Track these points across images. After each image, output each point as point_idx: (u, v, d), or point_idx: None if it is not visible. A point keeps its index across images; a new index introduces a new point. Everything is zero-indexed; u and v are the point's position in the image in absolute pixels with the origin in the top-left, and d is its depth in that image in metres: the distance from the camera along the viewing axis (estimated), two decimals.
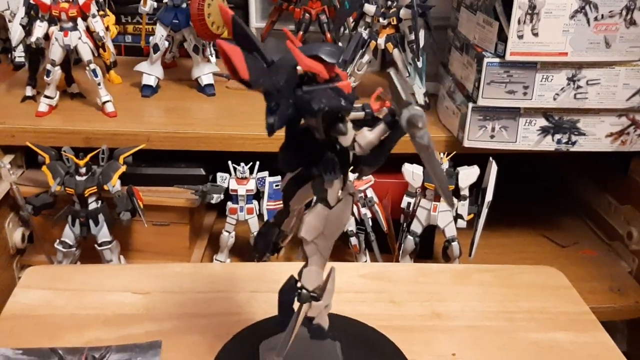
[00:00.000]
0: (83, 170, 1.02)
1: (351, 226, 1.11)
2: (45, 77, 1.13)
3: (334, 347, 0.64)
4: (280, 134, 0.50)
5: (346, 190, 0.53)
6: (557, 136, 1.05)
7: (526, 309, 0.81)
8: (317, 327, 0.58)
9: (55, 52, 1.11)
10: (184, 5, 1.21)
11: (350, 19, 1.24)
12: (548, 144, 1.05)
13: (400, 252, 1.11)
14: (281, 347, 0.60)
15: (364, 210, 1.11)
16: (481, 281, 0.87)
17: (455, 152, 1.06)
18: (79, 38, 1.10)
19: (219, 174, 1.10)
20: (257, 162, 1.09)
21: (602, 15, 0.96)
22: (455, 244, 1.08)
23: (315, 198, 0.54)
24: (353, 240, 1.13)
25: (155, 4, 1.23)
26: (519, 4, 0.94)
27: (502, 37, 0.98)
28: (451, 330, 0.76)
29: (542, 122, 1.04)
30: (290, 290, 0.56)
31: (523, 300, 0.82)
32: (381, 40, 1.18)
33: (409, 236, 1.09)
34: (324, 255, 0.55)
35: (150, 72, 1.26)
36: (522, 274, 0.89)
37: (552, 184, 1.55)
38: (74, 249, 1.06)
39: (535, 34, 0.96)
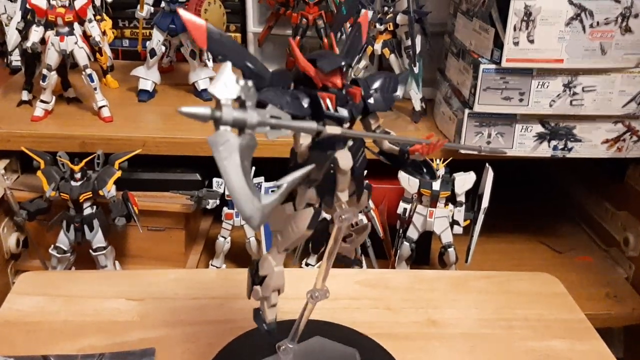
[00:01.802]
0: (78, 175, 1.01)
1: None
2: (41, 82, 1.13)
3: (354, 355, 0.64)
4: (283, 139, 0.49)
5: (308, 201, 0.53)
6: (553, 142, 1.05)
7: (522, 317, 0.80)
8: (255, 311, 0.59)
9: (52, 57, 1.10)
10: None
11: (348, 24, 1.24)
12: (544, 151, 1.05)
13: (397, 258, 1.10)
14: (293, 332, 0.61)
15: (360, 216, 1.10)
16: (477, 288, 0.87)
17: (451, 158, 1.06)
18: (75, 43, 1.10)
19: (214, 179, 1.10)
20: (253, 168, 1.08)
21: (598, 22, 0.96)
22: (451, 250, 1.08)
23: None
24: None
25: (152, 9, 1.23)
26: (514, 10, 0.94)
27: (498, 44, 0.98)
28: (447, 338, 0.76)
29: (538, 128, 1.04)
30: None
31: (519, 308, 0.82)
32: (378, 46, 1.19)
33: (405, 242, 1.08)
34: (279, 250, 0.56)
35: (147, 76, 1.26)
36: (518, 280, 0.89)
37: (548, 190, 1.55)
38: (69, 254, 1.06)
39: (531, 41, 0.96)
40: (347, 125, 0.51)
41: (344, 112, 0.50)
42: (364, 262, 1.16)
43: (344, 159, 0.51)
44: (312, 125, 0.45)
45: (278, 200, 0.43)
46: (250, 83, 0.41)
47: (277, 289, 0.57)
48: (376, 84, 0.53)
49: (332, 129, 0.46)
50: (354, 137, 0.51)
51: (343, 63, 0.49)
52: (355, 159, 0.52)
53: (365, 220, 0.62)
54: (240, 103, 0.41)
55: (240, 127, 0.40)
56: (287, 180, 0.44)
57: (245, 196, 0.39)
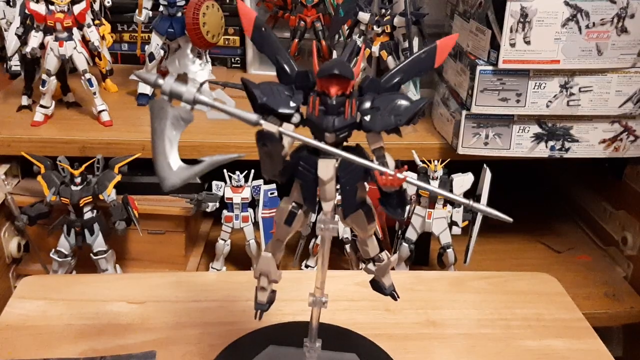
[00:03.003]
0: (78, 179, 1.02)
1: (346, 234, 1.11)
2: (40, 87, 1.13)
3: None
4: None
5: (295, 199, 0.55)
6: (551, 143, 1.05)
7: (521, 317, 0.81)
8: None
9: (51, 62, 1.11)
10: (179, 14, 1.21)
11: (345, 27, 1.25)
12: (542, 151, 1.06)
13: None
14: (314, 334, 0.63)
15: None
16: (476, 288, 0.87)
17: (449, 159, 1.06)
18: (74, 48, 1.11)
19: (214, 182, 1.10)
20: (252, 171, 1.09)
21: (594, 23, 0.96)
22: (450, 250, 1.08)
23: None
24: (349, 248, 1.13)
25: (150, 13, 1.24)
26: (510, 12, 0.95)
27: (495, 45, 0.99)
28: (446, 339, 0.76)
29: (535, 129, 1.05)
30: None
31: (518, 308, 0.83)
32: (375, 48, 1.19)
33: (404, 243, 1.09)
34: (274, 238, 0.59)
35: None
36: (517, 280, 0.89)
37: (547, 190, 1.55)
38: (70, 258, 1.06)
39: (528, 42, 0.96)
40: (331, 135, 0.51)
41: (288, 110, 0.50)
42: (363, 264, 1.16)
43: (323, 168, 0.51)
44: (251, 117, 0.46)
45: (191, 173, 0.47)
46: (203, 66, 0.46)
47: (264, 273, 0.59)
48: (383, 103, 0.51)
49: (268, 125, 0.47)
50: (295, 138, 0.50)
51: (336, 72, 0.49)
52: (346, 171, 0.52)
53: (385, 259, 0.60)
54: (183, 79, 0.45)
55: (176, 98, 0.45)
56: (207, 160, 0.48)
57: (163, 159, 0.45)
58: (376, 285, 0.63)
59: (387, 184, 0.48)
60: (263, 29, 0.52)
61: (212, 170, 1.18)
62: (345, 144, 0.53)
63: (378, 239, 0.62)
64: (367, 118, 0.51)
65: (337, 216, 0.56)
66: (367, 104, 0.51)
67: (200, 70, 0.44)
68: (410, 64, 0.53)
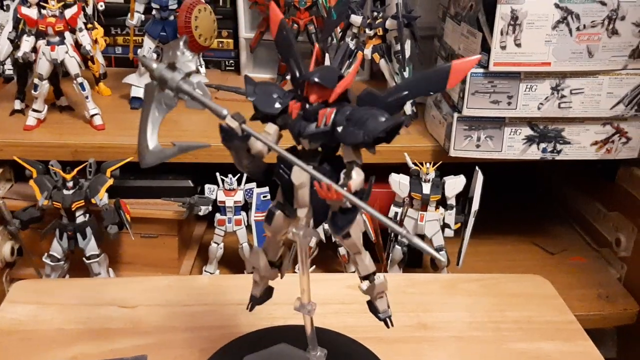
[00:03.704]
0: (70, 184, 1.02)
1: None
2: (33, 91, 1.13)
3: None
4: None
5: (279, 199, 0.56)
6: (543, 145, 1.06)
7: (513, 319, 0.81)
8: None
9: (43, 67, 1.11)
10: (172, 17, 1.21)
11: (338, 29, 1.25)
12: (533, 153, 1.06)
13: (389, 261, 1.11)
14: (311, 342, 0.63)
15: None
16: (468, 291, 0.87)
17: (441, 161, 1.06)
18: (66, 52, 1.11)
19: (207, 186, 1.10)
20: (245, 174, 1.09)
21: (584, 25, 0.96)
22: (442, 253, 1.08)
23: None
24: (341, 250, 1.13)
25: (142, 16, 1.24)
26: (501, 15, 0.95)
27: (486, 48, 0.99)
28: (437, 341, 0.76)
29: (527, 131, 1.05)
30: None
31: (510, 310, 0.83)
32: (368, 51, 1.19)
33: (397, 246, 1.09)
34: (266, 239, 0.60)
35: (139, 84, 1.26)
36: (509, 283, 0.89)
37: (540, 192, 1.55)
38: (62, 262, 1.06)
39: (518, 45, 0.97)
40: (304, 140, 0.51)
41: (270, 111, 0.51)
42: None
43: (296, 172, 0.51)
44: (221, 110, 0.48)
45: (164, 155, 0.51)
46: (190, 57, 0.48)
47: (255, 267, 0.61)
48: (356, 116, 0.49)
49: (230, 121, 0.48)
50: (257, 138, 0.49)
51: (316, 80, 0.49)
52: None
53: (377, 280, 0.60)
54: (171, 67, 0.48)
55: (162, 83, 0.48)
56: (177, 145, 0.51)
57: (143, 139, 0.51)
58: (371, 307, 0.62)
59: (324, 196, 0.47)
60: (284, 31, 0.54)
61: (205, 174, 1.19)
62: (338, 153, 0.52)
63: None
64: (339, 129, 0.49)
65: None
66: (345, 115, 0.49)
67: (188, 61, 0.46)
68: (418, 81, 0.51)
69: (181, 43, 0.48)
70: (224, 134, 0.50)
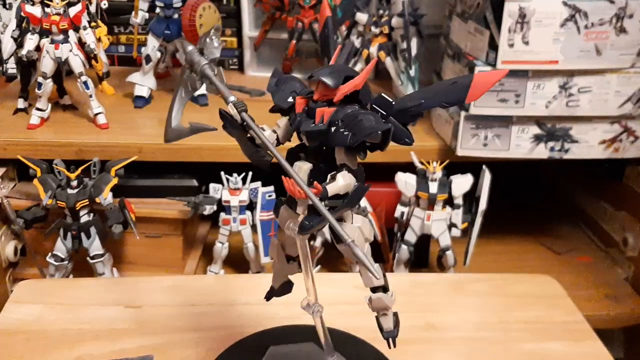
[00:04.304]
0: (74, 183, 1.01)
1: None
2: (36, 90, 1.13)
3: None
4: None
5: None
6: (550, 144, 1.05)
7: (521, 319, 0.80)
8: None
9: (47, 65, 1.10)
10: (176, 16, 1.21)
11: (343, 28, 1.24)
12: (541, 152, 1.05)
13: (395, 261, 1.10)
14: (326, 347, 0.63)
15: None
16: (476, 291, 0.86)
17: (448, 160, 1.05)
18: (70, 50, 1.10)
19: (211, 185, 1.10)
20: (250, 173, 1.08)
21: (592, 23, 0.96)
22: (449, 252, 1.08)
23: None
24: None
25: (146, 15, 1.23)
26: (509, 12, 0.94)
27: (493, 46, 0.98)
28: (445, 342, 0.76)
29: (534, 130, 1.04)
30: None
31: (518, 310, 0.82)
32: (373, 49, 1.19)
33: (403, 245, 1.08)
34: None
35: (143, 82, 1.26)
36: (517, 283, 0.89)
37: (547, 191, 1.54)
38: (66, 262, 1.05)
39: (526, 43, 0.96)
40: (303, 136, 0.51)
41: (282, 105, 0.51)
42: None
43: (295, 168, 0.51)
44: (228, 96, 0.50)
45: (181, 133, 0.54)
46: (217, 45, 0.52)
47: (273, 258, 0.62)
48: (348, 118, 0.48)
49: (230, 108, 0.50)
50: (252, 129, 0.50)
51: (319, 77, 0.48)
52: (314, 178, 0.50)
53: (382, 297, 0.58)
54: (201, 52, 0.52)
55: (191, 65, 0.52)
56: (190, 125, 0.54)
57: (169, 117, 0.54)
58: (378, 323, 0.60)
59: (289, 191, 0.48)
60: (326, 30, 0.55)
61: (210, 173, 1.18)
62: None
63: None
64: (332, 130, 0.48)
65: None
66: (340, 115, 0.48)
67: (215, 49, 0.49)
68: (436, 91, 0.49)
69: (213, 31, 0.52)
70: (223, 119, 0.51)
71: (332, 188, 0.49)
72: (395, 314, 0.60)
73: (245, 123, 0.50)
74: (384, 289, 0.58)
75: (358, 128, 0.47)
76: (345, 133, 0.47)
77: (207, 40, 0.51)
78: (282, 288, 0.63)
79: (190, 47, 0.51)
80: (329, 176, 0.50)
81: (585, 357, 0.74)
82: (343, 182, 0.49)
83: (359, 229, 0.54)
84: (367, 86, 0.50)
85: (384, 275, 0.57)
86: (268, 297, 0.64)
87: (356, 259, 0.46)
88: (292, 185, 0.47)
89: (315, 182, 0.48)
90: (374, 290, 0.58)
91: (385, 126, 0.47)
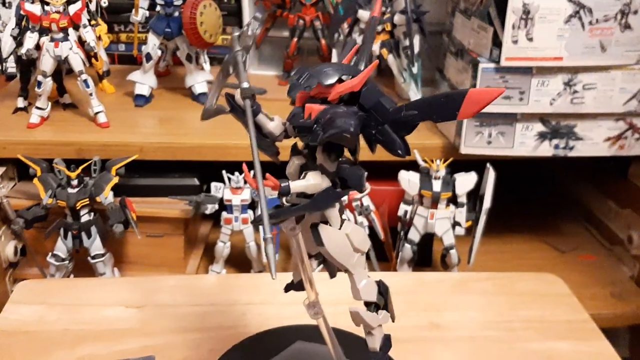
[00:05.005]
0: (75, 182, 1.01)
1: None
2: (36, 89, 1.12)
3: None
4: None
5: None
6: (555, 141, 1.04)
7: (526, 318, 0.79)
8: None
9: (46, 63, 1.10)
10: (176, 13, 1.20)
11: (345, 25, 1.23)
12: (545, 150, 1.05)
13: (398, 260, 1.09)
14: (336, 353, 0.60)
15: (360, 219, 1.10)
16: (480, 290, 0.85)
17: (452, 158, 1.05)
18: (70, 49, 1.09)
19: (213, 184, 1.09)
20: (251, 172, 1.07)
21: (597, 19, 0.95)
22: (453, 251, 1.07)
23: None
24: None
25: (147, 12, 1.22)
26: (513, 8, 0.94)
27: (497, 42, 0.97)
28: (450, 341, 0.74)
29: (539, 127, 1.03)
30: None
31: (523, 309, 0.81)
32: (376, 47, 1.18)
33: (406, 244, 1.07)
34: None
35: (143, 81, 1.25)
36: (521, 281, 0.88)
37: (550, 189, 1.54)
38: (67, 262, 1.05)
39: (530, 39, 0.95)
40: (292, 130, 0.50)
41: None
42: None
43: (290, 163, 0.51)
44: (242, 82, 0.49)
45: (213, 112, 0.54)
46: (250, 34, 0.51)
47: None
48: (324, 115, 0.46)
49: (236, 93, 0.49)
50: (243, 115, 0.49)
51: (310, 73, 0.47)
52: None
53: (363, 313, 0.54)
54: (239, 38, 0.52)
55: (230, 50, 0.52)
56: (218, 107, 0.53)
57: (208, 96, 0.55)
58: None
59: (245, 174, 0.48)
60: (371, 28, 0.55)
61: (211, 172, 1.17)
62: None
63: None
64: (314, 127, 0.47)
65: None
66: (325, 114, 0.46)
67: (248, 37, 0.49)
68: (428, 103, 0.46)
69: (252, 20, 0.52)
70: (229, 104, 0.51)
71: (296, 185, 0.47)
72: (387, 337, 0.56)
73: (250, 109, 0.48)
74: (376, 306, 0.54)
75: (328, 127, 0.45)
76: (318, 131, 0.46)
77: (245, 28, 0.51)
78: (300, 283, 0.62)
79: (236, 33, 0.52)
80: (303, 174, 0.49)
81: (593, 357, 0.73)
82: (312, 181, 0.48)
83: (346, 237, 0.51)
84: (371, 89, 0.47)
85: (381, 293, 0.54)
86: (287, 289, 0.61)
87: (267, 253, 0.43)
88: (248, 174, 0.46)
89: (268, 175, 0.46)
90: (366, 304, 0.54)
91: (346, 129, 0.45)
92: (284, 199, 0.48)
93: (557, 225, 1.38)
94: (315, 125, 0.47)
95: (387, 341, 0.56)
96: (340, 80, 0.47)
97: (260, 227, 0.42)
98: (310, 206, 0.49)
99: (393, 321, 0.56)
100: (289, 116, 0.49)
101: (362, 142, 0.49)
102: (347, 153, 0.50)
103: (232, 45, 0.51)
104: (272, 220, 0.48)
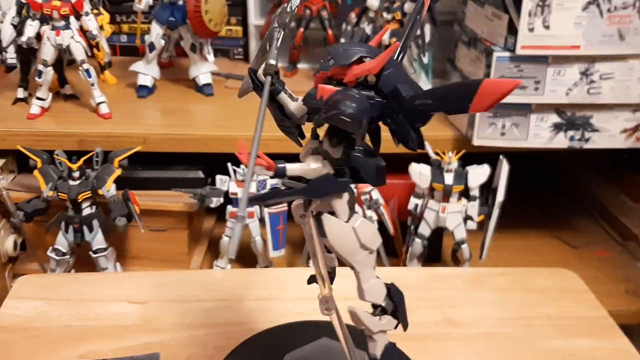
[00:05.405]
0: (76, 174, 0.99)
1: None
2: (37, 78, 1.10)
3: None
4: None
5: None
6: (570, 133, 1.02)
7: (544, 315, 0.77)
8: None
9: (47, 52, 1.08)
10: (181, 2, 1.18)
11: (353, 14, 1.21)
12: (560, 142, 1.02)
13: (408, 255, 1.07)
14: (350, 350, 0.56)
15: (369, 213, 1.07)
16: (495, 285, 0.84)
17: (464, 150, 1.03)
18: (72, 37, 1.07)
19: (218, 177, 1.07)
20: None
21: (615, 7, 0.93)
22: (465, 246, 1.05)
23: None
24: None
25: (150, 1, 1.20)
26: None
27: (512, 31, 0.95)
28: (467, 339, 0.73)
29: (554, 118, 1.01)
30: None
31: (540, 305, 0.79)
32: (386, 36, 1.15)
33: (416, 239, 1.05)
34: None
35: (146, 71, 1.23)
36: (537, 277, 0.86)
37: (563, 183, 1.52)
38: (68, 256, 1.03)
39: (547, 27, 0.93)
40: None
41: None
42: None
43: (305, 146, 0.49)
44: (271, 59, 0.45)
45: (244, 88, 0.51)
46: (287, 12, 0.47)
47: None
48: (332, 100, 0.44)
49: (260, 69, 0.47)
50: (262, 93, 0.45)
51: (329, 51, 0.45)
52: None
53: (363, 315, 0.51)
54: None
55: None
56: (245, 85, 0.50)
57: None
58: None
59: (240, 149, 0.46)
60: (416, 14, 0.51)
61: (216, 165, 1.15)
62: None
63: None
64: (323, 109, 0.44)
65: None
66: (335, 96, 0.44)
67: (286, 14, 0.47)
68: (443, 93, 0.43)
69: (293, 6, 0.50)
70: (250, 79, 0.48)
71: (293, 168, 0.45)
72: (390, 347, 0.52)
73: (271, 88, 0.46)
74: (383, 310, 0.51)
75: (329, 109, 0.43)
76: (322, 113, 0.44)
77: (285, 5, 0.49)
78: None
79: (279, 10, 0.50)
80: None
81: (614, 354, 0.72)
82: (312, 166, 0.46)
83: (352, 231, 0.48)
84: (392, 74, 0.44)
85: (392, 298, 0.51)
86: (310, 282, 0.58)
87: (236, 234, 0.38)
88: (243, 150, 0.44)
89: (262, 154, 0.44)
90: (373, 306, 0.51)
91: (344, 111, 0.42)
92: (280, 182, 0.46)
93: (569, 220, 1.36)
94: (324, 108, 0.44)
95: (389, 350, 0.52)
96: (361, 61, 0.44)
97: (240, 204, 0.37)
98: (304, 191, 0.46)
99: (405, 330, 0.52)
100: (304, 97, 0.47)
101: (385, 132, 0.46)
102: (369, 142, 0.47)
103: (271, 22, 0.49)
104: (258, 200, 0.46)
